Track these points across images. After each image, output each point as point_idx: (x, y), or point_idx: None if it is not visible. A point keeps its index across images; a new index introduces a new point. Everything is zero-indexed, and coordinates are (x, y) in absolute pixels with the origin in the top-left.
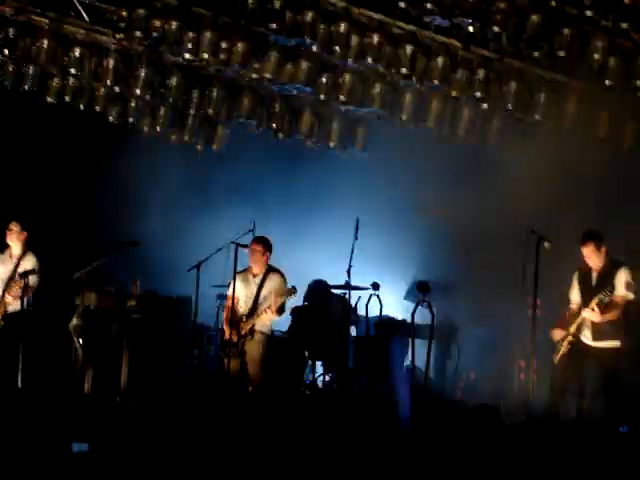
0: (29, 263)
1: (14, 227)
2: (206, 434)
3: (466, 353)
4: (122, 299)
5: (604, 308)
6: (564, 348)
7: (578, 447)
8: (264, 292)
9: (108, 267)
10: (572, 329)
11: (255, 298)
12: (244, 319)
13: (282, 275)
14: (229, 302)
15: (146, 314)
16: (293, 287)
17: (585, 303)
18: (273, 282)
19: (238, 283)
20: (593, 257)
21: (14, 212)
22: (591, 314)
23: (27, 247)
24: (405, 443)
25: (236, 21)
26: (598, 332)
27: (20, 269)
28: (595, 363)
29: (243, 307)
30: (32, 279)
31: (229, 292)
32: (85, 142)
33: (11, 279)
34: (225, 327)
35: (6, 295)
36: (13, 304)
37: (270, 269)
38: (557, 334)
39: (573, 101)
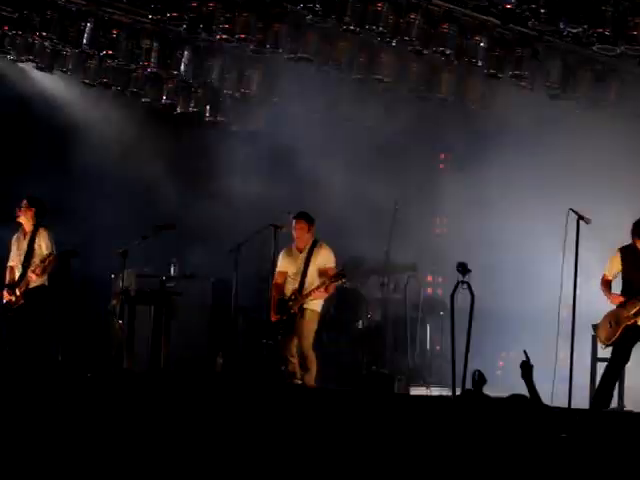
0: (43, 239)
1: (22, 204)
2: (240, 417)
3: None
4: (161, 281)
5: None
6: (619, 332)
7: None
8: (312, 268)
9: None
10: (631, 312)
11: (302, 274)
12: (293, 297)
13: (330, 249)
14: (278, 279)
15: (185, 295)
16: (342, 271)
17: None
18: (321, 258)
19: (284, 259)
20: None
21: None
22: None
23: (38, 222)
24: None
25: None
26: None
27: (36, 246)
28: None
29: (291, 284)
30: (51, 251)
31: (277, 268)
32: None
33: (29, 257)
34: (273, 308)
35: (29, 273)
36: (37, 281)
37: (316, 243)
38: (616, 300)
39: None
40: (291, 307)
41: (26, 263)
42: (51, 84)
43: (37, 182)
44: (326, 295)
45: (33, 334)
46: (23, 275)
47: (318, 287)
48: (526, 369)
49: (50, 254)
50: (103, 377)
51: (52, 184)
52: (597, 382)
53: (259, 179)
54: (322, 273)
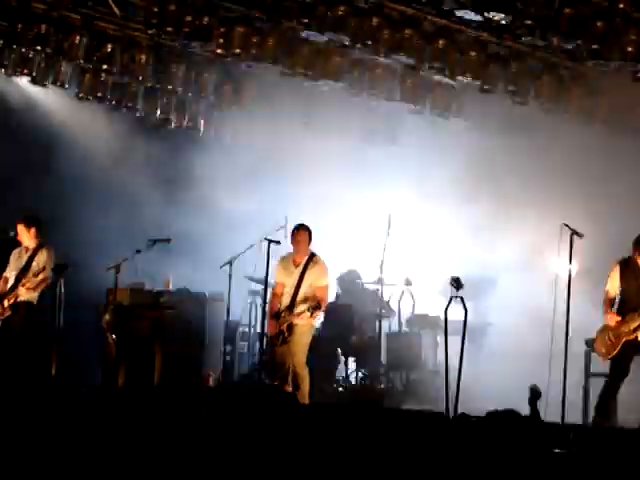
0: (42, 257)
1: (19, 225)
2: (234, 430)
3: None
4: (154, 295)
5: None
6: (619, 347)
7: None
8: (305, 284)
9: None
10: (631, 327)
11: (295, 289)
12: (283, 315)
13: (324, 265)
14: (277, 290)
15: (178, 310)
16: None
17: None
18: (315, 274)
19: (281, 270)
20: None
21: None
22: None
23: (41, 241)
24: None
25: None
26: None
27: (34, 263)
28: None
29: (286, 297)
30: (47, 271)
31: (276, 279)
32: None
33: (25, 271)
34: (269, 320)
35: (19, 287)
36: (26, 295)
37: (312, 256)
38: (611, 320)
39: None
40: (281, 324)
41: (20, 277)
42: (37, 94)
43: (25, 194)
44: (313, 319)
45: (18, 347)
46: (13, 287)
47: (304, 311)
48: (534, 395)
49: (44, 270)
50: (97, 392)
51: (39, 195)
52: (591, 398)
53: (250, 192)
54: (312, 291)
